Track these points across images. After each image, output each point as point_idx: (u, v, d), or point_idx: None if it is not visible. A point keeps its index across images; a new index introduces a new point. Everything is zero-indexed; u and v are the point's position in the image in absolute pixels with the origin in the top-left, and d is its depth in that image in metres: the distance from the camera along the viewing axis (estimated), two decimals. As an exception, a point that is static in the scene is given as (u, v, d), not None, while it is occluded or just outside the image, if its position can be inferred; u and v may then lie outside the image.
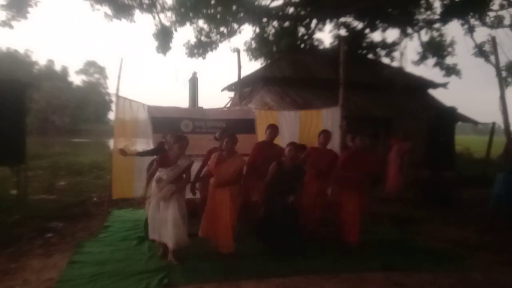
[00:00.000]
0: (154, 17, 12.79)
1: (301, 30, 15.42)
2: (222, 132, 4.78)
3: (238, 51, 8.44)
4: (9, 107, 5.58)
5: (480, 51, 12.76)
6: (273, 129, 4.94)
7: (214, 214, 4.06)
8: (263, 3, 14.19)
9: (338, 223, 4.57)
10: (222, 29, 13.54)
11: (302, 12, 14.69)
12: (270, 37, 15.32)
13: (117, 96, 5.88)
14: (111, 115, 49.23)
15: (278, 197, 4.13)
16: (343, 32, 15.08)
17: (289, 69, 11.73)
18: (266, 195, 4.23)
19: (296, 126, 6.22)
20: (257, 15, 13.69)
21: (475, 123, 11.55)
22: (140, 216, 5.85)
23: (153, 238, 3.99)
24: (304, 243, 4.21)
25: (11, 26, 10.66)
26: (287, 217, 4.13)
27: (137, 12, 12.39)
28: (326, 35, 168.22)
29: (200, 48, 13.79)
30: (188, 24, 12.89)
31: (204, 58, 13.98)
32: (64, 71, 52.19)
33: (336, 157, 4.86)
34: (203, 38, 13.70)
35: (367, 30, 14.61)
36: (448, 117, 7.74)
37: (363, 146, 4.56)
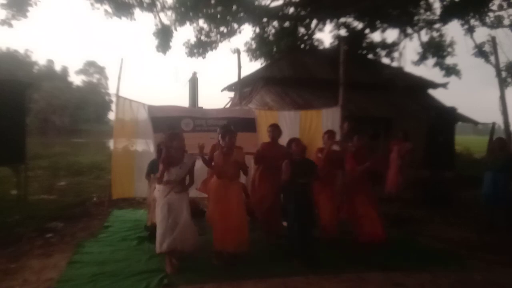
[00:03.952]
0: (154, 16, 12.81)
1: (301, 30, 15.41)
2: (222, 128, 4.78)
3: (238, 51, 8.44)
4: (9, 107, 5.58)
5: (480, 51, 12.74)
6: (275, 129, 4.98)
7: (224, 213, 3.95)
8: (263, 3, 14.20)
9: (360, 226, 4.55)
10: (222, 28, 13.53)
11: (302, 12, 14.68)
12: (270, 37, 15.31)
13: (117, 96, 5.88)
14: (111, 115, 49.18)
15: (297, 193, 4.09)
16: (343, 32, 15.09)
17: (289, 69, 11.72)
18: (285, 193, 4.20)
19: (296, 126, 6.22)
20: (257, 15, 13.68)
21: (475, 123, 11.54)
22: (140, 216, 5.87)
23: (162, 251, 3.67)
24: (311, 248, 4.09)
25: (10, 25, 10.68)
26: (302, 216, 4.03)
27: (137, 11, 12.41)
28: (326, 35, 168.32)
29: (200, 47, 13.79)
30: (188, 23, 12.89)
31: (204, 57, 13.99)
32: (64, 71, 52.30)
33: (342, 156, 4.88)
34: (203, 37, 13.70)
35: (367, 30, 14.61)
36: (448, 117, 7.74)
37: (362, 145, 4.57)
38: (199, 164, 4.97)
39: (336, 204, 4.78)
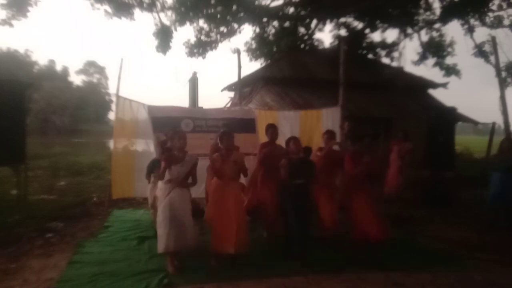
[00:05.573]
0: (154, 17, 12.83)
1: (301, 30, 15.43)
2: (220, 130, 4.80)
3: (238, 51, 8.47)
4: (9, 107, 5.57)
5: (480, 51, 12.76)
6: (274, 129, 4.96)
7: (223, 214, 3.92)
8: (263, 3, 14.21)
9: (355, 224, 4.51)
10: (222, 28, 13.56)
11: (302, 12, 14.70)
12: (270, 37, 15.33)
13: (117, 96, 5.89)
14: (111, 115, 49.21)
15: (293, 193, 4.10)
16: (343, 32, 15.12)
17: (289, 69, 11.73)
18: (281, 193, 4.21)
19: (296, 126, 6.23)
20: (257, 15, 13.69)
21: (475, 123, 11.55)
22: (140, 216, 5.87)
23: (169, 251, 3.67)
24: (309, 247, 4.12)
25: (11, 25, 10.70)
26: (300, 215, 4.07)
27: (137, 11, 12.43)
28: (326, 35, 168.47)
29: (200, 47, 13.81)
30: (188, 23, 12.91)
31: (204, 57, 14.03)
32: (65, 71, 52.39)
33: (341, 156, 4.88)
34: (203, 37, 13.71)
35: (367, 30, 14.63)
36: (448, 117, 7.74)
37: (363, 149, 4.57)
38: (199, 164, 4.97)
39: (336, 203, 4.78)
